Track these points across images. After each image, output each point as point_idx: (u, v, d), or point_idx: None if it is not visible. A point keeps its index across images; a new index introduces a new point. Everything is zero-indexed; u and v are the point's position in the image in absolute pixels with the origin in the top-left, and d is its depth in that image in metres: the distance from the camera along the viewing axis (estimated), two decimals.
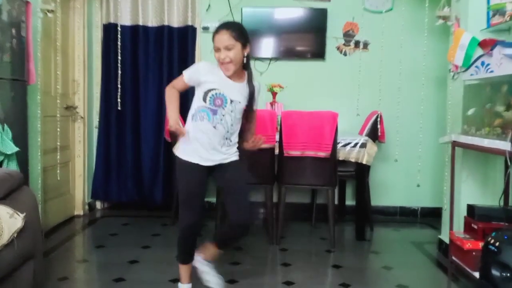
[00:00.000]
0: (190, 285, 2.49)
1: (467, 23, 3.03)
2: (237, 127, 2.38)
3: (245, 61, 2.30)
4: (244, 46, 2.26)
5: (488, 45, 2.79)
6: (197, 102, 2.32)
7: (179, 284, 2.50)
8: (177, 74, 4.24)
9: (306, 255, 3.29)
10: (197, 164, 2.31)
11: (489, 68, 2.61)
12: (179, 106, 2.36)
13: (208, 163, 2.32)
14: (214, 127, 2.27)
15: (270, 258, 3.22)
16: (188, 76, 2.34)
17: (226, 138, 2.33)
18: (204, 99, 2.27)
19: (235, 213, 2.34)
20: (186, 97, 4.32)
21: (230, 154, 2.37)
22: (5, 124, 2.63)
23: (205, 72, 2.29)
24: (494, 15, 2.86)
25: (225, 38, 2.21)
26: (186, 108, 4.19)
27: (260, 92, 2.48)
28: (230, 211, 2.37)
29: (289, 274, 2.87)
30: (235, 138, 2.39)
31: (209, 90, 2.26)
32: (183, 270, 2.47)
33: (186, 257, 2.46)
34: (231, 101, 2.28)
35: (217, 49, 2.25)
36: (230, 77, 2.29)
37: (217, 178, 2.40)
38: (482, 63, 2.68)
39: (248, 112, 2.41)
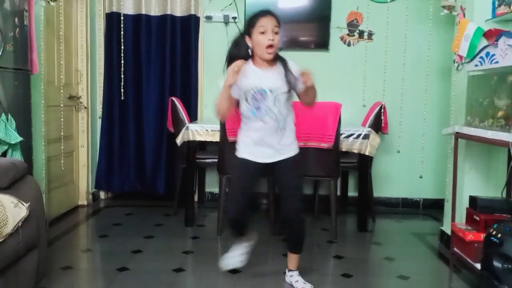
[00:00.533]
0: (249, 243, 2.63)
1: (472, 13, 3.00)
2: (288, 113, 2.37)
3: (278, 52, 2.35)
4: (280, 36, 2.32)
5: (493, 35, 2.76)
6: (242, 106, 2.36)
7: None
8: (180, 64, 4.32)
9: (308, 245, 3.27)
10: (252, 161, 2.37)
11: (493, 59, 2.60)
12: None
13: (266, 160, 2.37)
14: (262, 121, 2.30)
15: (272, 249, 3.23)
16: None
17: (279, 129, 2.34)
18: (246, 100, 2.31)
19: (284, 212, 2.43)
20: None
21: (286, 146, 2.38)
22: (9, 114, 2.64)
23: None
24: (499, 5, 2.83)
25: (274, 22, 2.26)
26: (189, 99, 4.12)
27: (293, 63, 2.37)
28: (281, 210, 2.44)
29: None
30: (289, 126, 2.39)
31: (247, 91, 2.29)
32: (240, 240, 2.61)
33: (238, 236, 2.60)
34: (271, 91, 2.28)
35: (263, 32, 2.24)
36: (260, 67, 2.31)
37: (275, 178, 2.50)
38: (487, 54, 2.66)
39: (304, 91, 2.34)
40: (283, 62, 2.33)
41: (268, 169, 2.41)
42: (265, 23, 2.24)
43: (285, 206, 2.42)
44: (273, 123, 2.31)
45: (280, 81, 2.30)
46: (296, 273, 2.57)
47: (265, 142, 2.34)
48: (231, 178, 2.53)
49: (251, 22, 2.29)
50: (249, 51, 2.33)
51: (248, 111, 2.33)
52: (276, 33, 2.26)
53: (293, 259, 2.57)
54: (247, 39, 2.32)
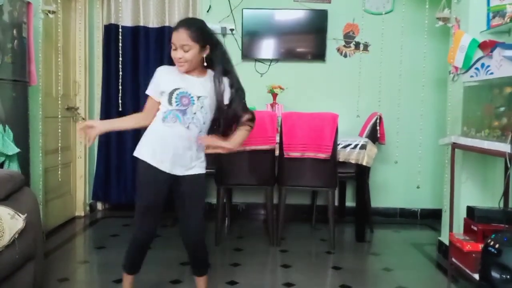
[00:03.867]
0: None
1: (467, 24, 3.04)
2: (207, 126, 2.21)
3: (205, 63, 2.16)
4: (203, 47, 2.11)
5: (488, 46, 2.79)
6: (163, 107, 2.16)
7: None
8: None
9: (306, 256, 3.29)
10: (160, 171, 2.14)
11: (489, 70, 2.62)
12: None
13: (173, 170, 2.15)
14: (187, 127, 2.13)
15: (270, 260, 3.22)
16: (151, 90, 2.20)
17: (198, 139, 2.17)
18: (170, 101, 2.13)
19: (187, 231, 2.24)
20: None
21: (197, 160, 2.21)
22: (6, 125, 2.64)
23: (163, 75, 2.19)
24: (494, 17, 2.87)
25: (183, 37, 2.07)
26: None
27: (226, 88, 2.19)
28: (180, 228, 2.27)
29: (289, 276, 2.87)
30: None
31: (173, 91, 2.13)
32: (127, 281, 2.33)
33: (132, 267, 2.32)
34: (198, 97, 2.13)
35: (174, 48, 2.11)
36: (189, 73, 2.16)
37: (175, 191, 2.22)
38: (482, 65, 2.68)
39: (232, 112, 2.20)
40: (215, 76, 2.17)
41: (174, 180, 2.18)
42: (174, 39, 2.09)
43: (188, 224, 2.22)
44: (196, 130, 2.14)
45: (205, 90, 2.15)
46: None
47: (182, 150, 2.14)
48: (138, 188, 2.21)
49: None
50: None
51: (171, 114, 2.12)
52: (186, 50, 2.08)
53: (201, 283, 2.33)
54: None
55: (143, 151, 2.18)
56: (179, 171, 2.17)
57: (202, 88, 2.16)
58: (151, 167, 2.14)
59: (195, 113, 2.14)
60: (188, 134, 2.14)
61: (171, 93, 2.14)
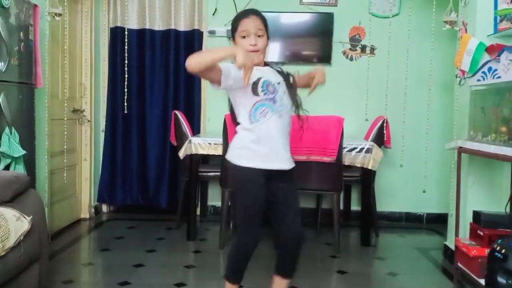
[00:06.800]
0: None
1: (474, 28, 3.02)
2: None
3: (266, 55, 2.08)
4: (268, 38, 2.05)
5: (495, 50, 2.78)
6: (248, 101, 1.98)
7: None
8: (184, 78, 4.34)
9: (311, 260, 3.27)
10: (261, 170, 1.98)
11: (496, 74, 2.61)
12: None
13: (278, 165, 2.02)
14: (280, 116, 1.99)
15: (275, 263, 3.20)
16: (226, 67, 1.90)
17: (289, 128, 2.08)
18: (256, 92, 1.96)
19: (287, 234, 2.12)
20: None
21: (289, 152, 2.09)
22: (12, 127, 2.65)
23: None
24: (501, 21, 2.85)
25: (258, 23, 1.99)
26: (192, 113, 4.12)
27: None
28: (281, 228, 2.13)
29: (294, 279, 2.84)
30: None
31: (257, 80, 1.96)
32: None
33: (238, 276, 2.20)
34: (278, 83, 2.01)
35: (246, 35, 1.98)
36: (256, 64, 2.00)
37: (276, 190, 2.06)
38: (489, 69, 2.67)
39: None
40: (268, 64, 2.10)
41: (269, 179, 2.03)
42: (247, 26, 1.98)
43: (288, 227, 2.09)
44: (287, 118, 2.03)
45: (278, 76, 2.06)
46: None
47: (280, 142, 2.01)
48: (240, 197, 2.11)
49: (233, 26, 2.04)
50: None
51: (262, 105, 1.97)
52: (260, 36, 1.99)
53: (285, 285, 2.19)
54: (233, 44, 2.07)
55: (241, 160, 2.01)
56: (276, 166, 2.02)
57: (275, 74, 2.05)
58: (252, 169, 1.99)
59: (282, 100, 2.02)
60: (281, 124, 2.01)
61: (255, 83, 1.96)
